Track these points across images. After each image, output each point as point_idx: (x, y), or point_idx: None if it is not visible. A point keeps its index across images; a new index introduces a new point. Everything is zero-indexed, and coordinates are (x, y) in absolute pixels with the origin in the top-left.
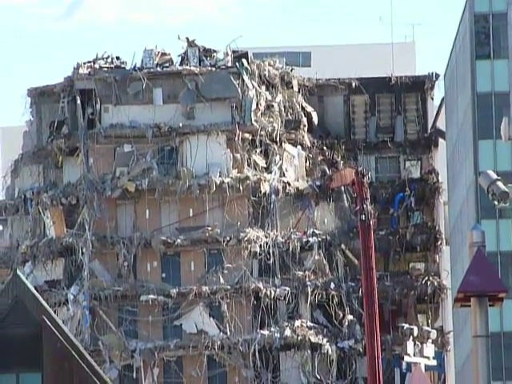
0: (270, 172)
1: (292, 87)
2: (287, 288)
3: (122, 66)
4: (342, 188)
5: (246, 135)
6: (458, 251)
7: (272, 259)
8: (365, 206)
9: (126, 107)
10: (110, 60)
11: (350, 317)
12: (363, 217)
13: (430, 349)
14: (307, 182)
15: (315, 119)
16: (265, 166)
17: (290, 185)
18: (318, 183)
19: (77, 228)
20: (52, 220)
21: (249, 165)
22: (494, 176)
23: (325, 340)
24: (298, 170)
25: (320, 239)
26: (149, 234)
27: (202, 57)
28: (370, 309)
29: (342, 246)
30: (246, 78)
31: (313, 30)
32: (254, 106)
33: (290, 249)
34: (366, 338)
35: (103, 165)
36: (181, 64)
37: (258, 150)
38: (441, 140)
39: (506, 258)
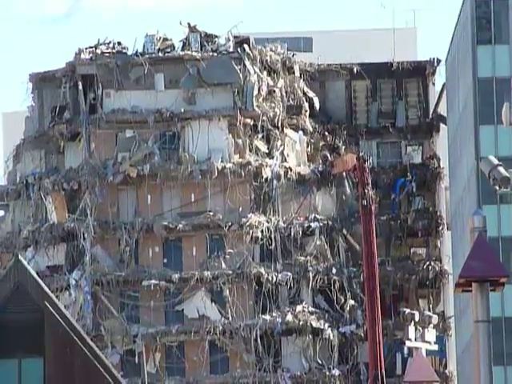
0: (272, 157)
1: (294, 72)
2: (289, 273)
3: (124, 51)
4: (344, 173)
5: (248, 120)
6: (459, 236)
7: (273, 244)
8: (366, 191)
9: (127, 92)
10: (111, 45)
11: (352, 302)
12: (364, 202)
13: (431, 334)
14: (309, 167)
15: (317, 104)
16: (266, 151)
17: (291, 170)
18: (319, 169)
19: (78, 213)
20: (54, 205)
21: (250, 150)
22: (495, 161)
23: (326, 325)
24: (300, 156)
25: (321, 224)
26: (150, 219)
27: (203, 42)
28: (371, 294)
29: (344, 231)
30: (247, 63)
31: (314, 16)
32: (255, 92)
33: (292, 234)
34: (367, 323)
35: (105, 150)
36: (182, 49)
37: (260, 136)
38: (442, 125)
39: (507, 243)
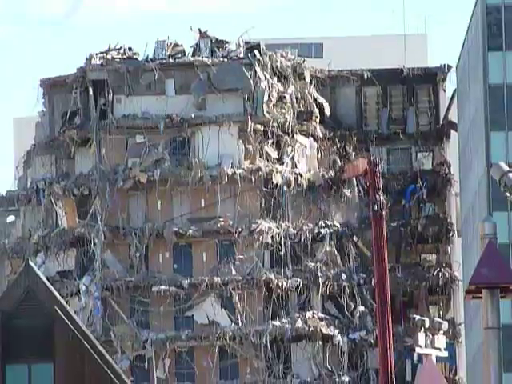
0: (282, 163)
1: (304, 78)
2: (299, 279)
3: (135, 56)
4: (354, 180)
5: (258, 126)
6: (469, 243)
7: (283, 250)
8: (377, 195)
9: (138, 98)
10: (122, 51)
11: (362, 308)
12: (375, 207)
13: (441, 340)
14: (319, 172)
15: (327, 110)
16: (277, 157)
17: (301, 176)
18: (329, 175)
19: (89, 219)
20: (64, 210)
21: (261, 156)
22: (506, 167)
23: (336, 331)
24: (310, 162)
25: (331, 230)
26: (161, 224)
27: (214, 48)
28: (382, 299)
29: (354, 238)
30: (258, 69)
31: (325, 22)
32: (266, 98)
33: (302, 240)
34: (378, 329)
35: (115, 155)
36: (193, 55)
37: (270, 142)
38: (453, 132)
39: None
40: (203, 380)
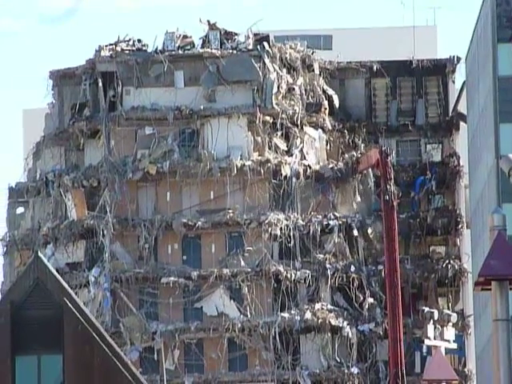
0: (291, 155)
1: (313, 70)
2: (307, 271)
3: (144, 48)
4: (370, 171)
5: (267, 118)
6: (478, 235)
7: (292, 242)
8: (388, 186)
9: (147, 90)
10: (131, 43)
11: (371, 300)
12: (387, 197)
13: (450, 332)
14: (328, 164)
15: (336, 102)
16: (286, 149)
17: (310, 168)
18: (338, 166)
19: (98, 210)
20: (73, 202)
21: (270, 148)
22: None
23: (345, 323)
24: (319, 153)
25: (340, 222)
26: (170, 216)
27: (223, 39)
28: (392, 289)
29: (363, 229)
30: (267, 60)
31: (334, 13)
32: (275, 89)
33: (311, 232)
34: (388, 319)
35: (124, 147)
36: (202, 47)
37: (279, 133)
38: (462, 123)
39: None
40: (212, 371)
